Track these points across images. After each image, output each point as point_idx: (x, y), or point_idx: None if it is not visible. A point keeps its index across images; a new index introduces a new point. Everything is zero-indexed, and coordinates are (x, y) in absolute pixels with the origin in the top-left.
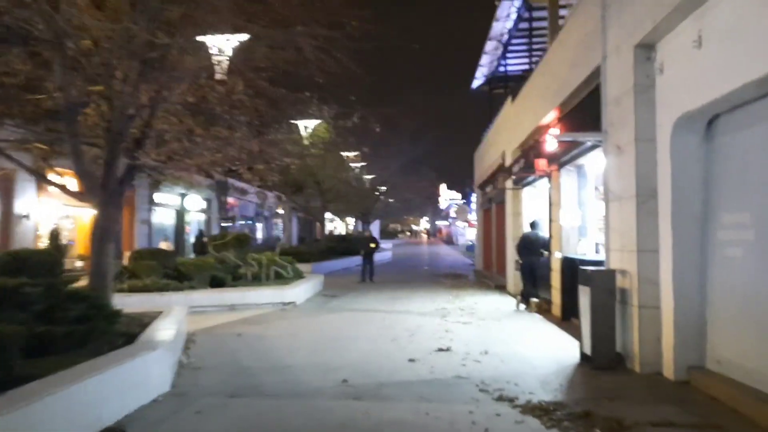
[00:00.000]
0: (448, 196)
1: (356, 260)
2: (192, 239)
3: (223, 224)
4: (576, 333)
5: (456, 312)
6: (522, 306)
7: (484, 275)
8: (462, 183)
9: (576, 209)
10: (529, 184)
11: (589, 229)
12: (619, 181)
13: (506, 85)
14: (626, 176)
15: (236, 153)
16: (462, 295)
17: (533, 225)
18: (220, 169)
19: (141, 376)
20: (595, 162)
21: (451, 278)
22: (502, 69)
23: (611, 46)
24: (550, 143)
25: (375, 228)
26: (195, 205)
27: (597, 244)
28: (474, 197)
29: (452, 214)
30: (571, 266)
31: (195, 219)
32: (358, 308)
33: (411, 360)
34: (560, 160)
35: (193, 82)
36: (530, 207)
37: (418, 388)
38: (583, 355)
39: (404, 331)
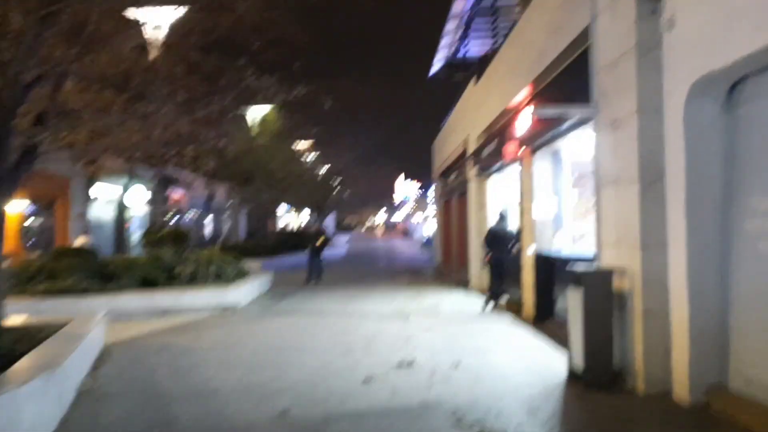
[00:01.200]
0: (405, 189)
1: (304, 256)
2: (138, 235)
3: (167, 219)
4: (555, 338)
5: (418, 313)
6: (490, 305)
7: (444, 271)
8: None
9: (551, 198)
10: (495, 172)
11: (565, 221)
12: (615, 162)
13: (467, 70)
14: (625, 156)
15: (161, 132)
16: (423, 293)
17: (501, 217)
18: (140, 154)
19: (5, 419)
20: (573, 145)
21: (410, 274)
22: (462, 54)
23: (604, 1)
24: (524, 123)
25: (330, 221)
26: (138, 198)
27: (574, 237)
28: (433, 189)
29: (409, 207)
30: (545, 262)
31: (138, 213)
32: (309, 310)
33: (367, 380)
34: (534, 143)
35: (112, 51)
36: (496, 198)
37: (375, 422)
38: (571, 371)
39: (360, 339)
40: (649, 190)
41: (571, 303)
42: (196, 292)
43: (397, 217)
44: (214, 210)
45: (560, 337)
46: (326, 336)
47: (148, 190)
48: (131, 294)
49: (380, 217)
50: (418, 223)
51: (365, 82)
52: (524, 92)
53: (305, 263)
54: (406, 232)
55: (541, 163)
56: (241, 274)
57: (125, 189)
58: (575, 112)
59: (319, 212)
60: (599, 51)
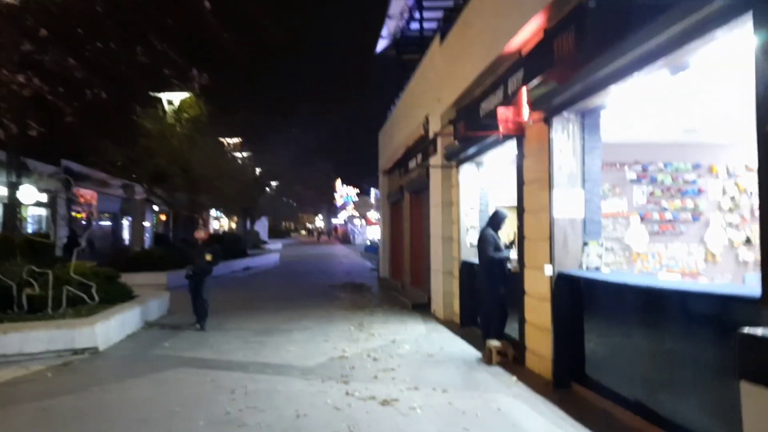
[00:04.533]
0: (345, 191)
1: (231, 266)
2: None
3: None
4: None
5: (365, 365)
6: (492, 351)
7: (394, 287)
8: (360, 178)
9: (578, 188)
10: (470, 158)
11: (601, 226)
12: None
13: (420, 47)
14: None
15: None
16: (370, 322)
17: (495, 218)
18: None
19: None
20: (630, 97)
21: (351, 291)
22: (415, 27)
23: None
24: (537, 68)
25: (262, 226)
26: (32, 198)
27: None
28: (378, 188)
29: (349, 210)
30: (572, 290)
31: (33, 214)
32: (201, 359)
33: None
34: (551, 102)
35: None
36: (471, 193)
37: None
38: None
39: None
40: None
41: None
42: (32, 329)
43: (337, 221)
44: (129, 213)
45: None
46: (216, 420)
47: (45, 190)
48: None
49: (319, 221)
50: (359, 227)
51: (302, 76)
52: (532, 27)
53: (229, 275)
54: (346, 237)
55: (561, 132)
56: (118, 296)
57: (15, 187)
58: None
59: (248, 216)
60: None
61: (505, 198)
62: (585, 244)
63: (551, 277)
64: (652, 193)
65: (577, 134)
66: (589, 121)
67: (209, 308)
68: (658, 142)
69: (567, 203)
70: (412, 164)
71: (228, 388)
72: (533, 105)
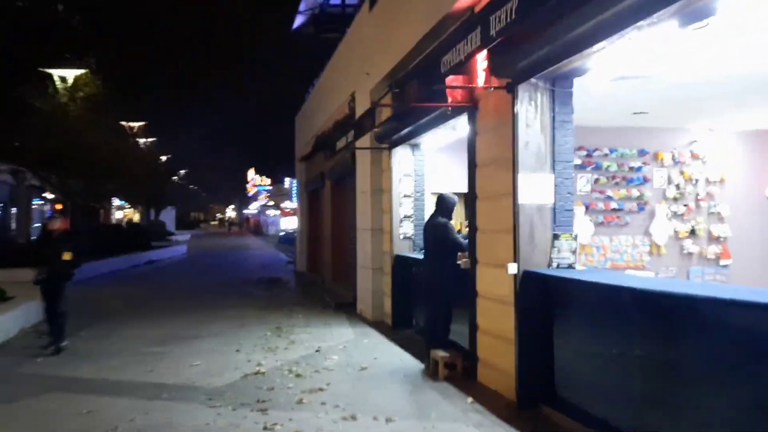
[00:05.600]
0: (258, 180)
1: (132, 259)
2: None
3: None
4: None
5: (286, 384)
6: (441, 364)
7: (313, 282)
8: (275, 166)
9: (547, 169)
10: (405, 139)
11: (573, 215)
12: None
13: (342, 25)
14: None
15: None
16: (289, 326)
17: (444, 205)
18: None
19: None
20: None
21: (266, 287)
22: (336, 2)
23: None
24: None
25: (169, 217)
26: None
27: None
28: (295, 177)
29: (263, 200)
30: (541, 292)
31: None
32: (80, 379)
33: None
34: (516, 66)
35: None
36: (405, 180)
37: None
38: None
39: None
40: None
41: None
42: None
43: (250, 211)
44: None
45: None
46: None
47: None
48: None
49: (230, 212)
50: (273, 217)
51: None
52: None
53: (130, 270)
54: (259, 229)
55: (527, 103)
56: None
57: None
58: None
59: (153, 206)
60: None
61: (443, 186)
62: (555, 236)
63: (515, 276)
64: (596, 181)
65: (547, 105)
66: (560, 89)
67: (67, 324)
68: (604, 125)
69: (535, 188)
70: (335, 148)
71: (109, 423)
72: (493, 70)
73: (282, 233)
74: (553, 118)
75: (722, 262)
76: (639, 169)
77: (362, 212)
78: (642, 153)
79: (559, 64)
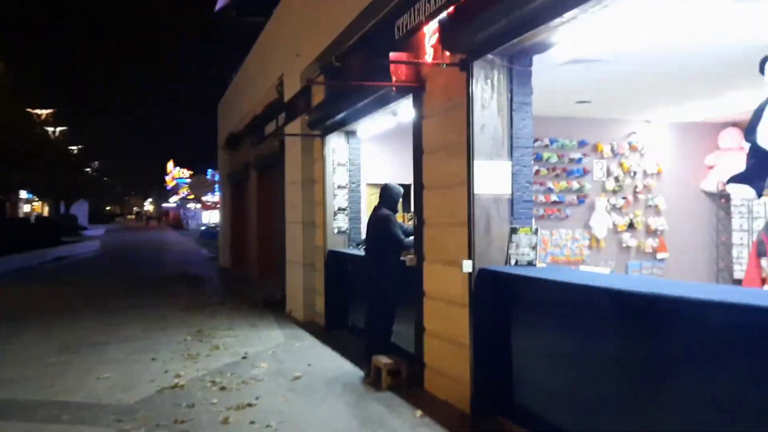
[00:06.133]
0: (177, 174)
1: (40, 256)
2: None
3: None
4: None
5: (209, 399)
6: (385, 372)
7: (238, 278)
8: (196, 157)
9: (505, 156)
10: (339, 126)
11: (533, 206)
12: None
13: (266, 8)
14: None
15: None
16: (212, 328)
17: (389, 195)
18: None
19: None
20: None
21: (187, 285)
22: None
23: None
24: None
25: (82, 210)
26: None
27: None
28: (217, 168)
29: (183, 193)
30: (498, 292)
31: None
32: None
33: None
34: (472, 39)
35: None
36: (339, 169)
37: None
38: None
39: None
40: None
41: None
42: None
43: (169, 205)
44: None
45: None
46: None
47: None
48: None
49: (148, 205)
50: (194, 210)
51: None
52: None
53: (38, 266)
54: (179, 223)
55: (483, 82)
56: None
57: None
58: None
59: (64, 199)
60: None
61: (380, 177)
62: (513, 230)
63: (470, 274)
64: (537, 172)
65: (504, 85)
66: (519, 67)
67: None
68: (544, 115)
69: (492, 176)
70: (261, 135)
71: None
72: (445, 44)
73: (203, 227)
74: (511, 99)
75: (659, 256)
76: (579, 160)
77: (292, 204)
78: (582, 144)
79: (522, 36)
